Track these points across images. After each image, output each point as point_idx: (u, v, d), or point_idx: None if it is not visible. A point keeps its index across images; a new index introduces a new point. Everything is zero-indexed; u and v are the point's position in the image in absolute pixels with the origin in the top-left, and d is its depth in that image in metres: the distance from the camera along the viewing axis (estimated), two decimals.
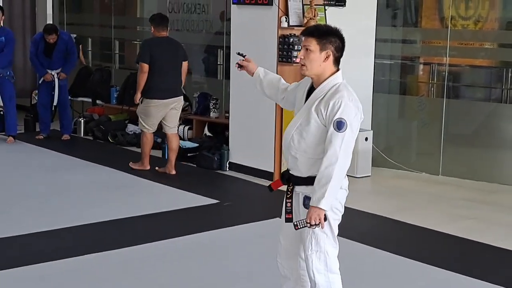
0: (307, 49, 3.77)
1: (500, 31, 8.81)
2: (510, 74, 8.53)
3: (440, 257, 5.74)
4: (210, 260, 5.53)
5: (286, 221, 3.88)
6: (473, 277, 5.24)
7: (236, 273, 5.28)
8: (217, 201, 7.23)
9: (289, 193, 3.88)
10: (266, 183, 7.79)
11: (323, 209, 3.65)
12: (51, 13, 13.04)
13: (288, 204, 3.87)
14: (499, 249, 5.98)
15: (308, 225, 3.69)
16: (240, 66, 4.26)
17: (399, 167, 8.80)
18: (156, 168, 8.44)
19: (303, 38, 3.85)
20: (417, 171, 8.77)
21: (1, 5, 10.86)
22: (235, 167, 8.50)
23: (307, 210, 3.75)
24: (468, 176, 8.46)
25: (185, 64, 8.39)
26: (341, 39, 3.81)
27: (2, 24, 10.00)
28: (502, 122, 8.58)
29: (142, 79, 8.09)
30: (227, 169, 8.56)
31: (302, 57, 3.79)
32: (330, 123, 3.66)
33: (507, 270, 5.58)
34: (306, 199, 3.79)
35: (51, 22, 12.27)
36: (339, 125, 3.64)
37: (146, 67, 8.06)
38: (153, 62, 8.06)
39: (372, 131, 8.66)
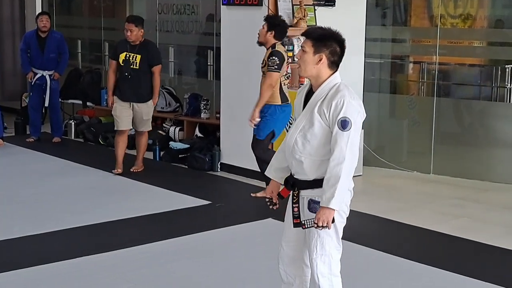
0: (303, 50, 3.78)
1: (489, 29, 8.84)
2: (499, 72, 8.56)
3: (432, 255, 5.75)
4: (203, 261, 5.52)
5: (294, 226, 3.86)
6: (466, 275, 5.25)
7: (229, 274, 5.27)
8: (209, 202, 7.22)
9: (295, 197, 3.86)
10: (258, 183, 7.80)
11: (333, 209, 3.63)
12: None
13: (295, 209, 3.84)
14: (491, 247, 5.99)
15: (315, 225, 3.67)
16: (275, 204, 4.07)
17: (391, 166, 8.82)
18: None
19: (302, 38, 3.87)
20: (408, 170, 8.78)
21: None
22: (226, 168, 8.49)
23: (312, 214, 3.75)
24: (459, 175, 8.48)
25: None
26: (339, 43, 3.78)
27: None
28: (492, 120, 8.60)
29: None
30: (219, 170, 8.55)
31: (298, 58, 3.81)
32: (335, 123, 3.65)
33: (499, 268, 5.59)
34: (311, 202, 3.78)
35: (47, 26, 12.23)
36: (344, 124, 3.64)
37: None
38: None
39: (363, 131, 8.63)
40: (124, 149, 8.35)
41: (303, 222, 3.76)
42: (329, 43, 3.75)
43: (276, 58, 6.89)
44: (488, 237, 6.22)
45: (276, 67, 6.87)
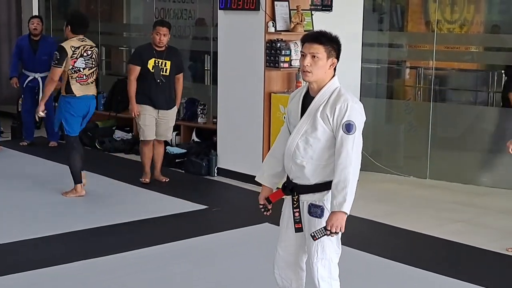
0: (314, 56, 3.72)
1: (485, 35, 8.87)
2: (496, 77, 8.59)
3: (427, 260, 5.75)
4: (199, 265, 5.52)
5: (296, 231, 3.86)
6: (462, 280, 5.26)
7: (225, 278, 5.27)
8: (206, 206, 7.23)
9: (295, 202, 3.85)
10: (255, 188, 7.79)
11: (345, 213, 3.66)
12: None
13: (297, 214, 3.84)
14: (486, 252, 6.00)
15: (328, 232, 3.66)
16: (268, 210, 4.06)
17: (387, 171, 8.82)
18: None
19: (304, 44, 3.79)
20: (404, 175, 8.79)
21: None
22: (223, 172, 8.49)
23: (312, 218, 3.77)
24: (455, 179, 8.49)
25: None
26: (340, 46, 3.81)
27: None
28: (488, 125, 8.62)
29: None
30: (215, 175, 8.55)
31: (309, 64, 3.73)
32: (339, 126, 3.67)
33: (494, 273, 5.60)
34: (312, 206, 3.79)
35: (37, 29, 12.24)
36: (349, 127, 3.66)
37: None
38: None
39: None
40: (151, 158, 8.16)
41: (313, 234, 3.73)
42: (335, 46, 3.78)
43: (58, 53, 7.10)
44: (484, 241, 6.23)
45: (56, 62, 7.10)
